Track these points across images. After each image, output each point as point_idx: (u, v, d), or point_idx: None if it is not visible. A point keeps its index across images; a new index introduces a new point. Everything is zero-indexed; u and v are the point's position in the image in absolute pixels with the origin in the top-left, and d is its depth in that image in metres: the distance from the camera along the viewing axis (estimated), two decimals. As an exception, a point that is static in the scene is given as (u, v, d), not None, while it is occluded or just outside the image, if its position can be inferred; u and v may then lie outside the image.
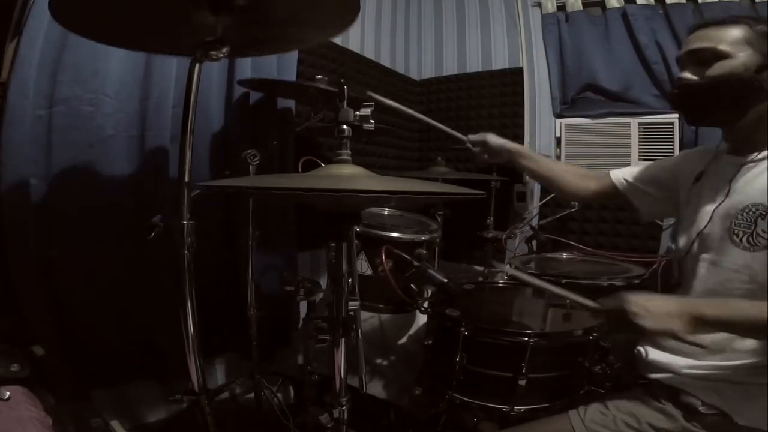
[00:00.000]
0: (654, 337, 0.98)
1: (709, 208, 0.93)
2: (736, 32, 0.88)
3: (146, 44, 1.04)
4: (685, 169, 1.07)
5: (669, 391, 0.91)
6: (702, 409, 0.86)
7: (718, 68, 0.88)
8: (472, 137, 1.31)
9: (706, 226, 0.93)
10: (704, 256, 0.94)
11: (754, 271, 0.84)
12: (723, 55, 0.87)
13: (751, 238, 0.85)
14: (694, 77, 0.91)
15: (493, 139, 1.28)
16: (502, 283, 1.56)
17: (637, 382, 0.99)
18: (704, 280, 0.93)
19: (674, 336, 0.80)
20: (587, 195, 1.27)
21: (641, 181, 1.15)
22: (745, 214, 0.86)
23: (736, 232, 0.87)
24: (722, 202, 0.91)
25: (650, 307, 0.81)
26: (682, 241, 1.01)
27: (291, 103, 1.75)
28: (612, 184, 1.20)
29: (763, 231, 0.83)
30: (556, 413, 0.98)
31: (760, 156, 0.89)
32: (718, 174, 0.96)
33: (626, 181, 1.17)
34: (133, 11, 0.80)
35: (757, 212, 0.85)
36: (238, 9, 0.80)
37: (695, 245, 0.96)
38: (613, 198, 1.22)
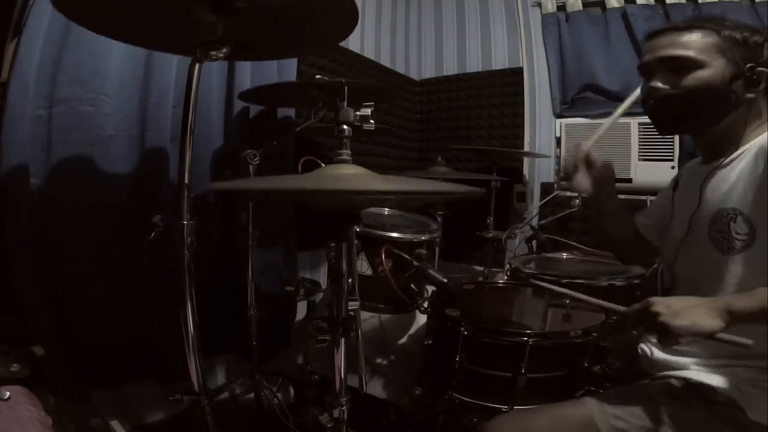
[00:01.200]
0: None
1: (686, 216, 0.94)
2: (707, 39, 0.85)
3: (147, 40, 1.03)
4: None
5: (683, 382, 0.90)
6: (718, 398, 0.84)
7: (694, 79, 0.85)
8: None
9: (687, 234, 0.94)
10: (690, 262, 0.95)
11: (737, 273, 0.84)
12: (699, 65, 0.85)
13: (727, 242, 0.85)
14: (667, 87, 0.89)
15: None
16: (502, 283, 1.56)
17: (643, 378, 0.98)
18: (694, 285, 0.92)
19: (708, 335, 0.72)
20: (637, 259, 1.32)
21: (654, 216, 1.11)
22: (719, 219, 0.86)
23: (715, 237, 0.87)
24: (696, 209, 0.91)
25: (674, 305, 0.75)
26: (668, 249, 1.02)
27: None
28: (640, 234, 1.12)
29: (737, 233, 0.83)
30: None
31: (726, 161, 0.88)
32: (691, 181, 0.96)
33: (646, 225, 1.12)
34: (134, 5, 0.80)
35: (728, 216, 0.85)
36: (238, 10, 0.80)
37: (681, 252, 0.97)
38: (648, 246, 1.12)
